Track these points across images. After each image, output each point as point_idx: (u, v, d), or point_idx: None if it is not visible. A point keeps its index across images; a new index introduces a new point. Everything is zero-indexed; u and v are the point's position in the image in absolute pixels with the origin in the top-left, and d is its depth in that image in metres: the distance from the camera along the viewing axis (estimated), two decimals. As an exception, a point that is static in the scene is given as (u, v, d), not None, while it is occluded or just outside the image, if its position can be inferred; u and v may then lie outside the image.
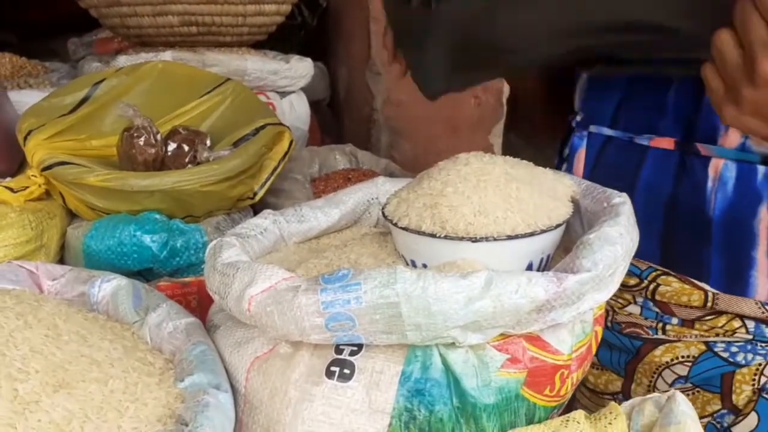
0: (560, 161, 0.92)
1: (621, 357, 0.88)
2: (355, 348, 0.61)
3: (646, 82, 0.84)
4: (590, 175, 0.87)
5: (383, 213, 0.73)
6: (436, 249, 0.67)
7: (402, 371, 0.59)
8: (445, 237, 0.66)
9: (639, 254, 0.81)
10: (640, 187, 0.83)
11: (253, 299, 0.60)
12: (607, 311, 0.86)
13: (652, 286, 0.82)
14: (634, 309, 0.86)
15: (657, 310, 0.84)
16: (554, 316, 0.59)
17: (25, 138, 1.05)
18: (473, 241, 0.65)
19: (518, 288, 0.57)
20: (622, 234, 0.63)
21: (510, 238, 0.65)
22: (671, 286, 0.81)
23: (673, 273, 0.81)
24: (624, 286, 0.83)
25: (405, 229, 0.68)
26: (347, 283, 0.58)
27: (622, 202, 0.69)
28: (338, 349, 0.61)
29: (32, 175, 1.02)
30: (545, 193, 0.70)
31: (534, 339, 0.61)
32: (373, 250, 0.76)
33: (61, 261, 1.04)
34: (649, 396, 0.61)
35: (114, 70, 1.22)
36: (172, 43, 1.44)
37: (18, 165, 1.15)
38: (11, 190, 0.98)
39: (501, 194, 0.67)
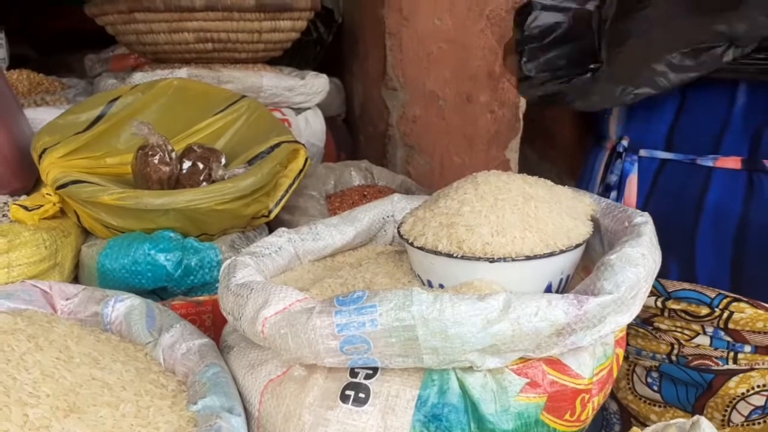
0: (605, 189, 0.88)
1: (689, 392, 0.84)
2: (371, 371, 0.59)
3: (702, 102, 0.81)
4: (646, 201, 0.84)
5: (399, 232, 0.72)
6: (453, 269, 0.66)
7: (418, 395, 0.58)
8: (462, 257, 0.64)
9: (708, 280, 0.79)
10: (707, 210, 0.80)
11: (267, 321, 0.59)
12: (671, 345, 0.83)
13: (725, 315, 0.79)
14: (704, 340, 0.82)
15: (729, 338, 0.80)
16: (575, 340, 0.57)
17: (40, 156, 1.05)
18: (491, 262, 0.64)
19: (538, 311, 0.55)
20: (645, 255, 0.61)
21: (528, 258, 0.64)
22: (745, 313, 0.78)
23: (744, 298, 0.78)
24: (694, 317, 0.80)
25: (421, 248, 0.67)
26: (362, 305, 0.56)
27: (644, 221, 0.67)
28: (353, 373, 0.60)
29: (47, 194, 1.01)
30: (564, 212, 0.68)
31: (554, 362, 0.60)
32: (389, 269, 0.75)
33: (76, 279, 1.03)
34: (673, 421, 0.59)
35: (129, 88, 1.22)
36: (187, 60, 1.44)
37: (33, 183, 1.15)
38: (26, 208, 0.97)
39: (519, 213, 0.66)
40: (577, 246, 0.67)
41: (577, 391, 0.60)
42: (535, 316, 0.55)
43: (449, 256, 0.65)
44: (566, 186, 0.76)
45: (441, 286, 0.68)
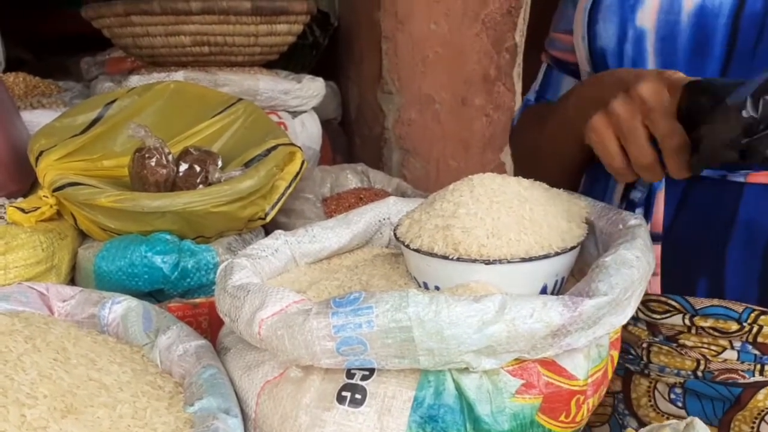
0: (629, 206, 0.84)
1: (716, 407, 0.83)
2: (367, 372, 0.60)
3: None
4: (674, 217, 0.82)
5: (395, 234, 0.73)
6: (449, 271, 0.66)
7: (414, 397, 0.58)
8: (458, 259, 0.65)
9: (736, 296, 0.79)
10: (738, 226, 0.78)
11: (264, 322, 0.60)
12: (697, 360, 0.82)
13: (755, 329, 0.78)
14: (731, 354, 0.80)
15: (757, 352, 0.79)
16: (570, 341, 0.57)
17: (37, 158, 1.05)
18: (486, 264, 0.64)
19: (533, 312, 0.56)
20: (639, 257, 0.62)
21: (524, 260, 0.64)
22: None
23: None
24: (722, 332, 0.79)
25: (417, 251, 0.68)
26: (359, 306, 0.57)
27: (638, 224, 0.68)
28: (350, 374, 0.60)
29: (44, 196, 1.02)
30: (559, 214, 0.69)
31: (549, 364, 0.60)
32: (385, 272, 0.76)
33: (72, 282, 1.04)
34: (666, 423, 0.59)
35: (126, 90, 1.22)
36: (184, 63, 1.45)
37: (29, 185, 1.15)
38: (22, 210, 0.97)
39: (514, 216, 0.66)
40: (572, 248, 0.67)
41: (572, 392, 0.61)
42: (531, 317, 0.56)
43: (445, 258, 0.66)
44: (561, 189, 0.76)
45: (437, 287, 0.68)
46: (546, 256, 0.65)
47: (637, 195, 0.84)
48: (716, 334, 0.80)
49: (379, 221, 0.85)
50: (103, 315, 0.77)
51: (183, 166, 1.07)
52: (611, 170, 0.75)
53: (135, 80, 1.38)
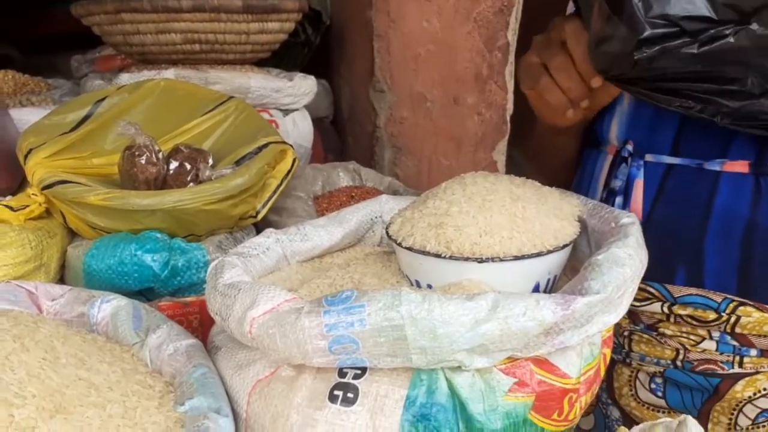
0: (609, 194, 0.88)
1: (695, 397, 0.85)
2: (359, 371, 0.59)
3: None
4: (652, 206, 0.84)
5: (387, 232, 0.72)
6: (442, 269, 0.66)
7: (407, 395, 0.58)
8: (451, 257, 0.65)
9: (715, 284, 0.79)
10: (715, 215, 0.80)
11: (255, 321, 0.59)
12: (677, 350, 0.83)
13: (732, 319, 0.79)
14: (710, 345, 0.82)
15: (735, 343, 0.81)
16: (563, 339, 0.57)
17: (26, 156, 1.04)
18: (479, 262, 0.64)
19: (526, 310, 0.55)
20: (631, 255, 0.62)
21: (516, 258, 0.64)
22: (752, 317, 0.78)
23: (750, 302, 0.78)
24: (701, 322, 0.80)
25: (409, 249, 0.67)
26: (351, 305, 0.56)
27: (631, 222, 0.68)
28: (342, 373, 0.60)
29: (32, 194, 1.01)
30: (551, 212, 0.69)
31: (542, 362, 0.60)
32: (377, 270, 0.75)
33: (62, 280, 1.03)
34: (660, 420, 0.59)
35: (116, 88, 1.21)
36: (174, 61, 1.44)
37: (18, 183, 1.14)
38: (11, 208, 0.96)
39: (507, 214, 0.66)
40: (565, 246, 0.67)
41: (565, 390, 0.61)
42: (523, 315, 0.55)
43: (437, 256, 0.65)
44: (553, 187, 0.76)
45: (429, 286, 0.68)
46: (538, 255, 0.65)
47: (617, 183, 0.86)
48: (694, 323, 0.80)
49: (371, 219, 0.84)
50: (92, 314, 0.76)
51: (173, 164, 1.06)
52: (549, 99, 0.85)
53: (125, 78, 1.37)
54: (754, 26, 0.66)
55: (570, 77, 0.82)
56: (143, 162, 1.03)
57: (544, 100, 0.86)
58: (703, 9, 0.67)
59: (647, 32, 0.68)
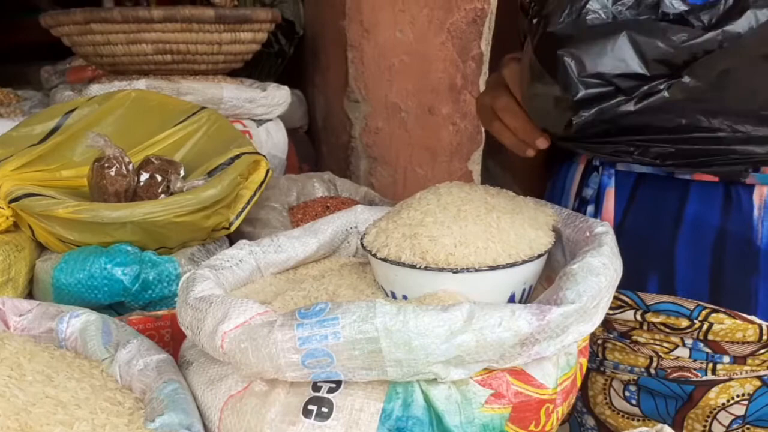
0: (581, 203, 0.88)
1: (669, 405, 0.84)
2: (334, 385, 0.58)
3: None
4: (624, 214, 0.84)
5: (362, 243, 0.72)
6: (417, 280, 0.65)
7: (382, 409, 0.57)
8: (426, 268, 0.64)
9: (687, 292, 0.79)
10: (685, 223, 0.80)
11: (227, 335, 0.58)
12: (650, 358, 0.83)
13: (705, 326, 0.79)
14: (683, 352, 0.82)
15: (708, 350, 0.80)
16: (538, 350, 0.57)
17: (-7, 169, 1.02)
18: (454, 272, 0.63)
19: (501, 321, 0.55)
20: (606, 264, 0.62)
21: (491, 268, 0.64)
22: (724, 324, 0.78)
23: (722, 309, 0.78)
24: (674, 329, 0.80)
25: (384, 260, 0.67)
26: (324, 317, 0.56)
27: (605, 231, 0.68)
28: (316, 387, 0.59)
29: (0, 207, 0.99)
30: (526, 222, 0.68)
31: (518, 373, 0.59)
32: (352, 281, 0.75)
33: (30, 295, 1.01)
34: (637, 430, 0.59)
35: (86, 99, 1.20)
36: (146, 72, 1.42)
37: (-14, 196, 1.12)
38: (-22, 222, 0.95)
39: (481, 224, 0.66)
40: (540, 256, 0.67)
41: (542, 401, 0.60)
42: (499, 326, 0.55)
43: (412, 267, 0.65)
44: (528, 197, 0.76)
45: (404, 297, 0.67)
46: (513, 265, 0.64)
47: (588, 192, 0.86)
48: (667, 330, 0.80)
49: (346, 230, 0.84)
50: (60, 329, 0.74)
51: (144, 176, 1.05)
52: (502, 140, 0.86)
53: (95, 89, 1.35)
54: (686, 79, 0.66)
55: (516, 118, 0.81)
56: (113, 174, 1.02)
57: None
58: (636, 66, 0.66)
59: (582, 93, 0.67)
